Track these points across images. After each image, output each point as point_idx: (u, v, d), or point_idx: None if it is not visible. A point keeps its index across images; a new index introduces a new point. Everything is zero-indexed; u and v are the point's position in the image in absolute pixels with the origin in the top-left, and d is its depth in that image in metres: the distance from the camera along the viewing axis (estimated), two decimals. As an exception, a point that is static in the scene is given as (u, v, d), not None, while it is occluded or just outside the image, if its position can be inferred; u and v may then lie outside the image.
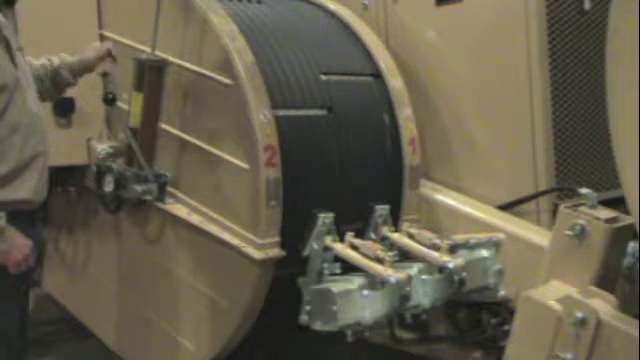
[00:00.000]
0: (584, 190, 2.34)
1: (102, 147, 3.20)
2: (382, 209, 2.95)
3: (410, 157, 3.14)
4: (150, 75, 2.90)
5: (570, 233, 2.22)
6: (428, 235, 2.83)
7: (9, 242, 2.37)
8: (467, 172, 3.21)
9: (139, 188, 2.95)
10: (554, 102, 2.96)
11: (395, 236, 2.90)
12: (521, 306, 2.22)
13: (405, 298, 2.59)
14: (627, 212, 1.89)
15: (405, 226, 2.98)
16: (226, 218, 2.81)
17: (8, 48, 2.43)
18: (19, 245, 2.40)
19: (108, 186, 3.07)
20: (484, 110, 3.13)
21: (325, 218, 2.73)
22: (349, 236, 2.73)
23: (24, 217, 2.45)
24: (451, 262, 2.64)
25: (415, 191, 3.16)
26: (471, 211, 3.07)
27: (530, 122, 2.96)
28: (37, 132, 2.47)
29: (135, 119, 2.95)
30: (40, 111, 2.54)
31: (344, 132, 3.01)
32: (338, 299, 2.49)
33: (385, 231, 2.93)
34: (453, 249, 2.75)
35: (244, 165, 2.72)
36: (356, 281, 2.58)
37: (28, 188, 2.43)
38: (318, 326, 2.58)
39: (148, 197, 2.97)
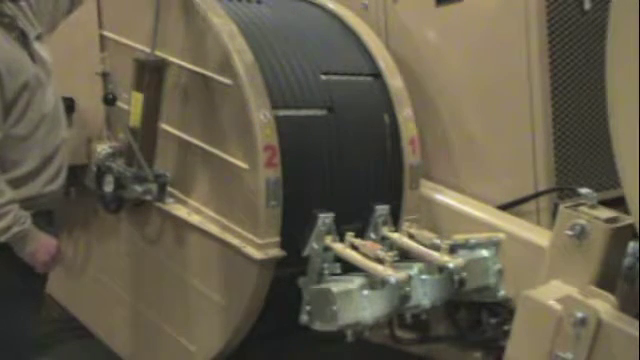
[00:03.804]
0: (584, 190, 2.35)
1: (102, 147, 3.20)
2: (382, 209, 2.95)
3: (410, 157, 3.14)
4: (150, 75, 2.90)
5: (570, 233, 2.22)
6: (428, 235, 2.83)
7: (35, 242, 2.37)
8: (467, 172, 3.21)
9: (139, 188, 2.94)
10: (554, 102, 2.96)
11: (395, 236, 2.90)
12: (521, 306, 2.23)
13: (405, 298, 2.59)
14: (627, 212, 1.89)
15: (405, 226, 2.98)
16: (226, 218, 2.81)
17: (26, 43, 2.43)
18: (45, 244, 2.41)
19: (108, 186, 3.07)
20: (484, 110, 3.13)
21: (325, 218, 2.73)
22: (349, 236, 2.73)
23: (44, 216, 2.46)
24: (451, 262, 2.64)
25: (415, 191, 3.16)
26: (471, 211, 3.07)
27: (530, 122, 2.95)
28: (57, 124, 2.48)
29: (135, 119, 2.95)
30: (58, 100, 2.55)
31: (344, 132, 3.01)
32: (338, 299, 2.49)
33: (385, 231, 2.93)
34: (453, 249, 2.75)
35: (244, 165, 2.72)
36: (356, 281, 2.58)
37: (52, 180, 2.45)
38: (318, 326, 2.58)
39: (148, 197, 2.96)
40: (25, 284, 2.43)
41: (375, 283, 2.58)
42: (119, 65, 3.21)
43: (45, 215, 2.49)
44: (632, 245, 2.06)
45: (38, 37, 2.50)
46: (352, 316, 2.52)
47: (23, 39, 2.42)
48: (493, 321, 2.95)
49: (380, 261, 2.58)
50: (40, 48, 2.49)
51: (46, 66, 2.49)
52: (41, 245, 2.40)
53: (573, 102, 3.02)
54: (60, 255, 2.54)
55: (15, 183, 2.35)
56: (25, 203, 2.36)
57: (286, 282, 2.70)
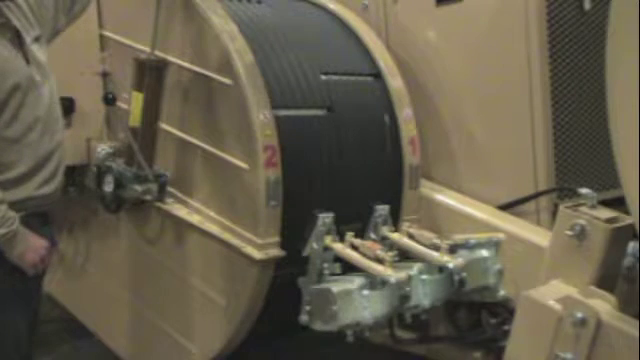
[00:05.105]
0: (584, 190, 2.34)
1: (102, 147, 3.21)
2: (382, 209, 2.95)
3: (410, 157, 3.14)
4: (150, 75, 2.90)
5: (570, 233, 2.22)
6: (428, 235, 2.82)
7: (23, 244, 2.36)
8: (467, 172, 3.21)
9: (139, 188, 2.95)
10: (554, 102, 2.96)
11: (395, 236, 2.90)
12: (521, 306, 2.23)
13: (405, 298, 2.59)
14: (627, 212, 1.89)
15: (405, 226, 2.98)
16: (226, 218, 2.81)
17: (20, 43, 2.41)
18: (34, 246, 2.40)
19: (108, 186, 3.07)
20: (484, 110, 3.13)
21: (325, 218, 2.73)
22: (349, 236, 2.73)
23: (37, 217, 2.45)
24: (451, 262, 2.64)
25: (415, 191, 3.16)
26: (471, 211, 3.07)
27: (530, 122, 2.95)
28: (52, 127, 2.46)
29: (135, 119, 2.95)
30: (55, 101, 2.53)
31: (344, 132, 3.01)
32: (338, 299, 2.49)
33: (385, 231, 2.92)
34: (453, 249, 2.75)
35: (244, 165, 2.72)
36: (356, 281, 2.58)
37: (46, 183, 2.44)
38: (318, 326, 2.58)
39: (148, 197, 2.97)
40: (18, 285, 2.42)
41: (375, 283, 2.58)
42: (119, 65, 3.21)
43: (39, 216, 2.48)
44: (632, 245, 2.06)
45: (37, 38, 2.49)
46: (352, 316, 2.52)
47: (17, 40, 2.40)
48: (493, 321, 2.95)
49: (380, 261, 2.58)
50: (38, 50, 2.47)
51: (42, 67, 2.46)
52: (30, 247, 2.38)
53: (573, 102, 3.02)
54: (50, 256, 2.52)
55: (7, 185, 2.33)
56: (16, 205, 2.34)
57: (286, 282, 2.70)
